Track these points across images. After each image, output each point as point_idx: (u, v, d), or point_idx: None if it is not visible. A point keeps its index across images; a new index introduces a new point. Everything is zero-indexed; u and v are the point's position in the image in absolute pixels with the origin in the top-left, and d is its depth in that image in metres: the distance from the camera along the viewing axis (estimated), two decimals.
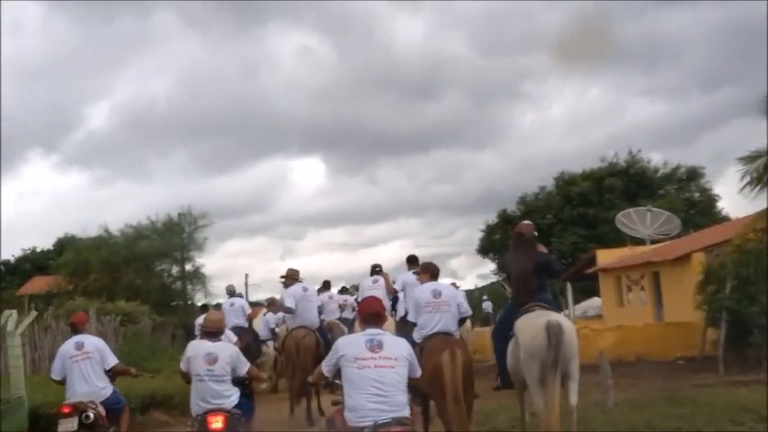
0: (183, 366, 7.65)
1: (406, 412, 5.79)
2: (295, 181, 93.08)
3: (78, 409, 8.13)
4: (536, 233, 8.83)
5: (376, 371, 5.73)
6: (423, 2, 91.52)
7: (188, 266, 37.22)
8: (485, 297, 40.25)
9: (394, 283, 12.07)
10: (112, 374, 8.78)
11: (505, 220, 46.72)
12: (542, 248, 8.70)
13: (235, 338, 11.05)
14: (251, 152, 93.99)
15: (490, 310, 37.47)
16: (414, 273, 10.91)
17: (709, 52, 79.69)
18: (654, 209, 28.12)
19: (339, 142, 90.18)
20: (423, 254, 12.24)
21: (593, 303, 31.64)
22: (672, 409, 10.50)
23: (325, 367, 6.12)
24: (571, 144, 78.06)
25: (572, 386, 7.47)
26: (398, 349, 5.95)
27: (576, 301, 31.10)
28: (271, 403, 13.72)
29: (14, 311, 11.32)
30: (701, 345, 17.13)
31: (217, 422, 7.14)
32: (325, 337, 11.99)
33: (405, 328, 9.36)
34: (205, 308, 19.32)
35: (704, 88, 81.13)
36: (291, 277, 12.43)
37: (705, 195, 44.53)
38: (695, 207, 42.52)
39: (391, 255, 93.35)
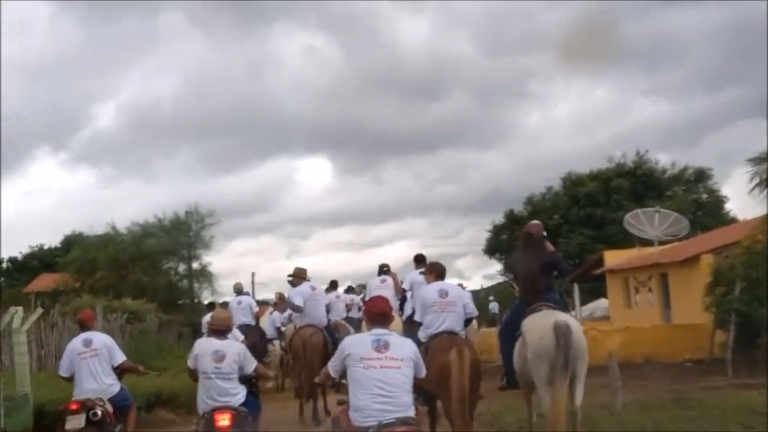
0: (190, 364, 7.64)
1: (411, 412, 5.77)
2: (301, 181, 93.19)
3: (86, 406, 8.12)
4: (545, 233, 8.78)
5: (382, 371, 5.72)
6: (427, 2, 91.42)
7: (195, 265, 37.26)
8: (491, 297, 40.22)
9: (402, 282, 12.03)
10: (120, 372, 8.78)
11: (512, 221, 46.61)
12: (550, 247, 8.64)
13: (241, 337, 11.02)
14: (257, 152, 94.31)
15: (497, 310, 37.41)
16: (421, 272, 10.85)
17: (713, 52, 79.56)
18: (662, 210, 27.97)
19: (345, 142, 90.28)
20: (429, 254, 12.16)
21: (600, 304, 31.51)
22: (681, 411, 10.42)
23: (332, 367, 6.11)
24: (576, 144, 78.01)
25: (578, 387, 7.41)
26: (404, 350, 5.93)
27: (583, 303, 31.01)
28: (277, 402, 13.69)
29: (20, 308, 11.29)
30: (710, 347, 17.04)
31: (224, 420, 7.14)
32: (332, 335, 11.95)
33: (412, 327, 9.29)
34: (212, 306, 19.22)
35: (708, 89, 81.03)
36: (299, 276, 12.41)
37: (713, 197, 44.35)
38: (703, 208, 42.36)
39: (397, 255, 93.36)
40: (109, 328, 18.01)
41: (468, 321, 9.00)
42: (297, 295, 12.10)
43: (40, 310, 12.49)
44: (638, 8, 72.09)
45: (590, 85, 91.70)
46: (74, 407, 8.18)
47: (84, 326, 8.96)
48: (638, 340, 18.55)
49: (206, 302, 28.03)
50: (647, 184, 44.00)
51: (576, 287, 29.29)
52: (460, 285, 10.90)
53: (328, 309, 12.62)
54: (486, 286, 54.93)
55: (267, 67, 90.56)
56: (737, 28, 75.16)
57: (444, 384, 7.86)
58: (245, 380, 7.61)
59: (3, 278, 49.69)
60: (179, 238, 36.56)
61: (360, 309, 15.73)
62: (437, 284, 8.82)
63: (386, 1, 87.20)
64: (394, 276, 12.59)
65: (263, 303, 20.23)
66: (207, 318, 16.58)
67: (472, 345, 9.22)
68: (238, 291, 17.09)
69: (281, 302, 17.53)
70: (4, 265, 51.86)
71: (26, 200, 75.44)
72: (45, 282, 38.42)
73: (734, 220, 37.56)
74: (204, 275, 37.04)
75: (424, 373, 6.20)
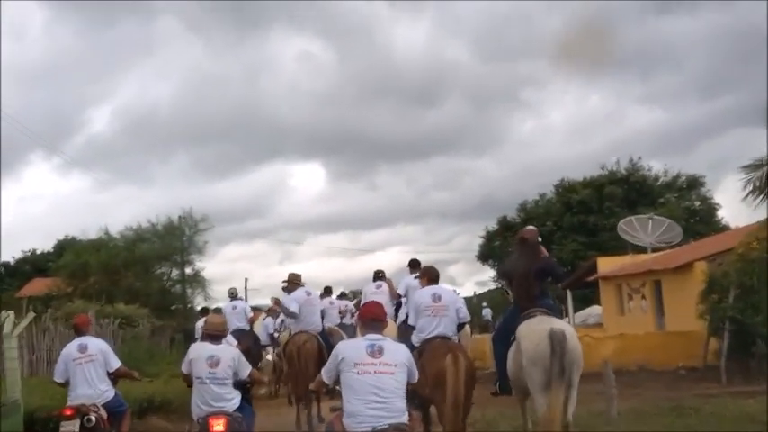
0: (184, 369, 7.60)
1: (405, 418, 5.76)
2: (295, 186, 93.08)
3: (80, 412, 8.12)
4: (540, 238, 8.76)
5: (376, 377, 5.71)
6: (423, 8, 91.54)
7: (188, 270, 37.21)
8: (484, 304, 40.25)
9: (397, 288, 12.00)
10: (115, 377, 8.75)
11: (505, 227, 46.70)
12: (545, 253, 8.58)
13: (235, 342, 10.95)
14: (252, 157, 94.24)
15: (489, 316, 37.43)
16: (416, 277, 10.82)
17: (707, 60, 79.69)
18: (656, 216, 27.98)
19: (339, 148, 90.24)
20: (421, 260, 12.16)
21: (593, 311, 31.46)
22: (677, 419, 10.40)
23: (325, 373, 6.08)
24: (570, 151, 78.10)
25: (571, 395, 7.32)
26: (398, 355, 5.92)
27: (576, 309, 30.95)
28: (270, 408, 13.64)
29: (11, 313, 11.17)
30: (704, 354, 17.01)
31: (218, 425, 7.09)
32: (327, 341, 11.89)
33: (407, 333, 9.26)
34: (205, 311, 19.18)
35: (703, 96, 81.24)
36: (294, 282, 12.36)
37: (705, 204, 44.43)
38: (695, 216, 42.43)
39: (390, 261, 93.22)
40: (101, 333, 17.85)
41: (461, 326, 8.96)
42: (292, 301, 12.02)
43: (31, 315, 12.35)
44: (633, 15, 72.22)
45: (585, 92, 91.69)
46: (68, 412, 8.16)
47: (79, 331, 8.92)
48: (632, 347, 18.49)
49: (199, 308, 27.99)
50: (640, 191, 44.10)
51: (569, 294, 29.23)
52: (454, 291, 10.87)
53: (323, 314, 12.56)
54: (478, 293, 55.01)
55: (262, 73, 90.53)
56: (732, 36, 75.38)
57: (439, 390, 7.84)
58: (239, 385, 7.57)
59: None
60: (172, 243, 36.54)
61: (353, 315, 15.69)
62: (430, 288, 8.81)
63: (383, 1, 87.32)
64: (389, 282, 12.57)
65: (256, 309, 20.19)
66: (200, 323, 16.51)
67: (466, 351, 9.20)
68: (233, 295, 17.03)
69: (275, 308, 17.47)
70: None
71: (20, 205, 75.13)
72: (37, 286, 38.18)
73: (726, 228, 37.63)
74: (197, 281, 37.04)
75: (416, 378, 6.18)
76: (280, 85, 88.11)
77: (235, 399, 7.39)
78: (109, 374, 8.63)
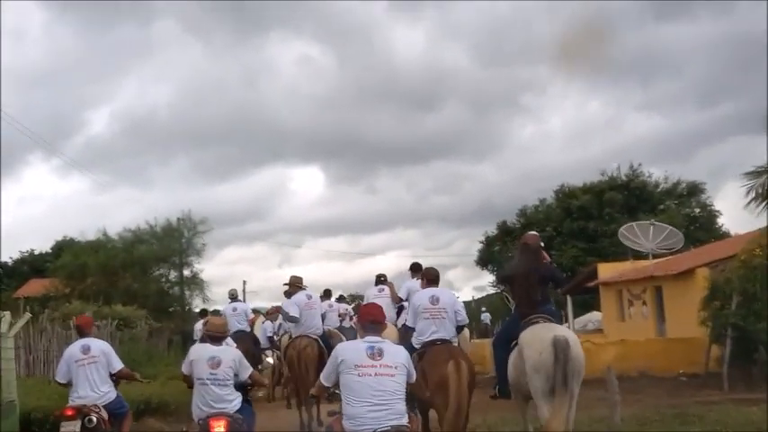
0: (185, 369, 7.60)
1: (405, 420, 5.75)
2: (295, 189, 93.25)
3: (81, 413, 8.15)
4: (542, 244, 8.71)
5: (376, 379, 5.69)
6: (423, 12, 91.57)
7: (186, 272, 37.05)
8: (484, 309, 40.13)
9: (398, 292, 11.96)
10: (116, 378, 8.75)
11: (505, 232, 46.67)
12: (546, 258, 8.56)
13: (233, 345, 10.85)
14: (251, 160, 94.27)
15: (488, 321, 37.36)
16: (418, 280, 10.77)
17: (707, 67, 79.83)
18: (657, 223, 27.87)
19: (339, 152, 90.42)
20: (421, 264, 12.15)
21: (593, 317, 31.43)
22: (680, 426, 10.28)
23: (325, 377, 6.04)
24: (569, 157, 78.24)
25: (572, 404, 7.32)
26: (398, 357, 5.91)
27: (575, 315, 30.87)
28: (268, 411, 13.54)
29: (7, 313, 11.07)
30: (706, 361, 16.90)
31: (219, 427, 7.08)
32: (328, 344, 11.79)
33: (408, 336, 9.20)
34: (204, 313, 19.09)
35: (702, 103, 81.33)
36: (295, 285, 12.33)
37: (706, 211, 44.34)
38: (696, 222, 42.33)
39: (389, 265, 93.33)
40: (98, 335, 17.75)
41: (460, 329, 8.94)
42: (292, 305, 11.97)
43: (27, 316, 12.24)
44: (633, 21, 72.29)
45: (584, 98, 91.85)
46: (69, 413, 8.18)
47: (82, 332, 8.96)
48: (633, 353, 18.38)
49: (197, 310, 27.88)
50: (640, 197, 44.02)
51: (568, 299, 29.15)
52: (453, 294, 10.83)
53: (323, 318, 12.49)
54: (477, 297, 54.92)
55: (262, 76, 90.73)
56: (732, 43, 75.47)
57: (441, 395, 7.86)
58: (239, 387, 7.55)
59: None
60: (171, 245, 36.38)
61: (352, 318, 15.62)
62: (429, 291, 8.80)
63: (382, 2, 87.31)
64: (391, 286, 12.56)
65: (255, 311, 20.11)
66: (198, 325, 16.45)
67: (468, 356, 9.14)
68: (233, 297, 16.95)
69: (273, 312, 17.45)
70: None
71: (19, 205, 75.08)
72: (35, 287, 38.02)
73: (726, 235, 37.57)
74: (195, 283, 36.86)
75: (414, 378, 6.17)
76: (279, 88, 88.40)
77: (236, 400, 7.37)
78: (111, 376, 8.63)
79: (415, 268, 11.84)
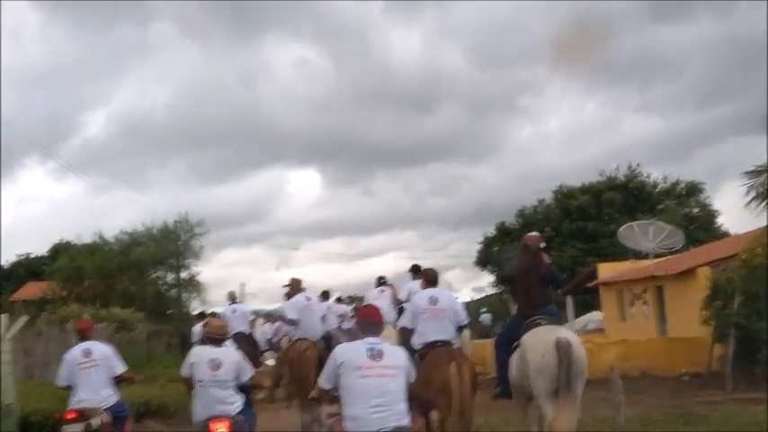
0: (185, 372, 7.60)
1: (407, 422, 5.72)
2: (292, 191, 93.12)
3: (83, 416, 8.12)
4: (543, 244, 8.66)
5: (378, 380, 5.66)
6: (420, 15, 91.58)
7: (183, 274, 36.96)
8: (484, 309, 39.97)
9: (398, 293, 11.92)
10: (116, 381, 8.72)
11: (504, 233, 46.57)
12: (547, 260, 8.55)
13: (233, 347, 10.76)
14: (248, 162, 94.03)
15: (488, 322, 37.21)
16: (419, 282, 10.72)
17: (706, 68, 79.84)
18: (657, 222, 27.79)
19: (336, 154, 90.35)
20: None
21: (593, 317, 31.29)
22: (685, 427, 10.21)
23: (325, 379, 5.96)
24: (567, 159, 78.09)
25: (576, 405, 7.29)
26: (398, 358, 5.90)
27: (575, 315, 30.78)
28: (269, 413, 13.42)
29: (4, 316, 10.98)
30: (708, 361, 16.81)
31: (221, 428, 7.11)
32: (328, 346, 11.70)
33: (407, 338, 9.12)
34: (202, 315, 18.99)
35: (701, 104, 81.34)
36: (295, 287, 12.24)
37: (705, 211, 44.27)
38: (695, 222, 42.25)
39: (387, 267, 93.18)
40: (95, 338, 17.71)
41: (460, 329, 8.92)
42: (291, 308, 11.88)
43: (23, 319, 12.15)
44: (631, 22, 72.31)
45: (582, 100, 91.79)
46: (71, 416, 8.16)
47: (83, 335, 8.91)
48: (635, 353, 18.31)
49: (195, 312, 27.79)
50: (639, 197, 43.95)
51: (568, 300, 29.06)
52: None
53: (323, 319, 12.38)
54: (476, 298, 54.80)
55: (259, 78, 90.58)
56: (730, 44, 75.51)
57: (443, 397, 7.86)
58: (241, 389, 7.54)
59: None
60: (168, 247, 36.29)
61: (350, 319, 15.54)
62: (428, 291, 8.81)
63: (379, 2, 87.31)
64: (392, 287, 12.54)
65: (254, 314, 20.07)
66: (197, 328, 16.35)
67: (469, 357, 9.12)
68: (232, 299, 16.87)
69: (274, 318, 17.46)
70: None
71: (16, 208, 74.92)
72: (32, 290, 37.91)
73: (726, 234, 37.51)
74: (193, 285, 36.79)
75: (413, 378, 6.13)
76: (276, 90, 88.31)
77: (237, 402, 7.38)
78: (113, 379, 8.60)
79: (416, 270, 11.85)
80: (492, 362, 13.27)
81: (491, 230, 48.59)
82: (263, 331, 17.93)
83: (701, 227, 41.38)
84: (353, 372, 5.68)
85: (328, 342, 11.86)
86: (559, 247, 41.14)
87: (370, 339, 5.92)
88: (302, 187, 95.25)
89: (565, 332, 7.66)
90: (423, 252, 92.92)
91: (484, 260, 48.52)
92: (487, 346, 19.39)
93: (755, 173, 21.23)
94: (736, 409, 11.53)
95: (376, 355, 5.75)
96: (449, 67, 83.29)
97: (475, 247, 49.85)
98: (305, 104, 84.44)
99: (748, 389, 14.53)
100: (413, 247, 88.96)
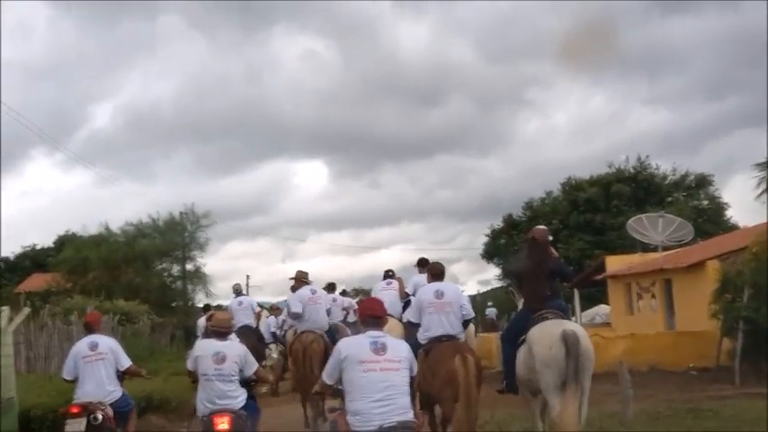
0: (190, 365, 7.59)
1: (411, 415, 5.71)
2: (298, 184, 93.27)
3: (87, 410, 8.12)
4: (551, 238, 8.57)
5: (382, 374, 5.64)
6: (427, 7, 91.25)
7: (189, 266, 36.90)
8: (490, 303, 39.87)
9: (406, 287, 11.85)
10: (121, 375, 8.72)
11: (511, 225, 46.47)
12: (555, 253, 8.52)
13: (237, 340, 10.67)
14: (255, 154, 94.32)
15: (494, 316, 37.12)
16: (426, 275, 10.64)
17: (713, 61, 79.38)
18: (666, 215, 27.55)
19: (343, 146, 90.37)
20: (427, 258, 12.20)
21: (601, 311, 31.15)
22: (694, 421, 10.06)
23: (328, 374, 5.94)
24: (574, 152, 78.00)
25: (583, 401, 7.26)
26: (401, 351, 5.88)
27: (582, 308, 30.63)
28: (272, 407, 13.37)
29: (6, 308, 10.87)
30: (717, 355, 16.62)
31: (223, 423, 7.07)
32: (333, 339, 11.61)
33: (413, 331, 9.08)
34: (207, 308, 18.95)
35: (708, 97, 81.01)
36: (300, 279, 12.24)
37: (714, 203, 44.01)
38: (704, 215, 41.99)
39: (393, 259, 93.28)
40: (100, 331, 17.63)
41: (465, 323, 8.89)
42: (295, 301, 11.88)
43: (26, 311, 12.03)
44: (638, 16, 71.93)
45: (590, 93, 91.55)
46: (75, 410, 8.17)
47: (90, 329, 8.92)
48: (643, 347, 18.11)
49: (200, 305, 27.72)
50: (648, 189, 43.72)
51: (576, 293, 28.90)
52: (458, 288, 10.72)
53: (329, 312, 12.29)
54: (482, 291, 54.73)
55: (266, 71, 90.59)
56: (737, 37, 75.09)
57: (448, 390, 7.91)
58: (244, 383, 7.51)
59: None
60: (173, 239, 36.24)
61: (356, 312, 15.43)
62: (434, 285, 8.81)
63: (387, 0, 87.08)
64: (399, 280, 12.58)
65: (259, 306, 20.03)
66: (202, 320, 16.30)
67: (474, 351, 9.05)
68: (238, 292, 16.82)
69: (277, 309, 17.39)
70: None
71: (22, 200, 75.13)
72: (37, 282, 37.93)
73: (735, 227, 37.25)
74: (198, 277, 36.74)
75: (416, 371, 6.12)
76: (283, 82, 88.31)
77: (240, 396, 7.35)
78: (118, 373, 8.60)
79: (423, 263, 11.86)
80: (498, 356, 13.16)
81: (498, 223, 48.55)
82: (267, 323, 17.94)
83: (709, 219, 41.17)
84: (357, 366, 5.65)
85: (333, 335, 11.78)
86: (567, 239, 41.02)
87: (373, 333, 5.89)
88: (308, 179, 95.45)
89: (571, 325, 7.65)
90: (429, 244, 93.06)
91: (490, 253, 48.42)
92: (493, 339, 19.27)
93: (766, 165, 21.03)
94: (745, 403, 11.37)
95: (379, 348, 5.71)
96: (456, 60, 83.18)
97: (481, 240, 49.81)
98: (312, 97, 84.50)
99: (757, 383, 14.34)
100: (419, 240, 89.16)
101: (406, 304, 11.45)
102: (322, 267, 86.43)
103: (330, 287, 16.19)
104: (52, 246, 48.93)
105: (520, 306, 8.68)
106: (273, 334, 17.49)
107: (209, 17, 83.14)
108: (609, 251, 31.99)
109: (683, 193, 44.54)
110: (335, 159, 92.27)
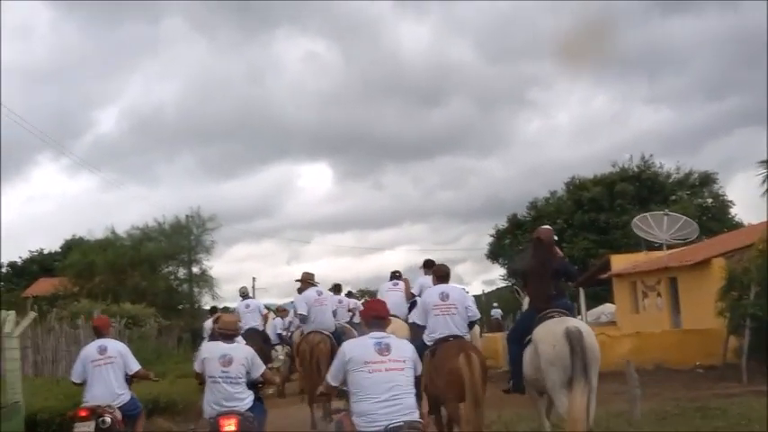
0: (197, 368, 7.58)
1: (417, 415, 5.71)
2: (302, 186, 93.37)
3: (96, 413, 8.10)
4: (555, 238, 8.57)
5: (387, 374, 5.65)
6: (428, 8, 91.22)
7: (195, 269, 36.94)
8: (495, 303, 39.86)
9: (412, 288, 11.84)
10: (129, 379, 8.71)
11: (515, 225, 46.43)
12: (560, 253, 8.48)
13: (243, 342, 10.69)
14: (258, 157, 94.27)
15: (499, 316, 37.11)
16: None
17: (714, 61, 79.25)
18: (671, 213, 27.47)
19: (345, 148, 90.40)
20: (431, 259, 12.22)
21: (606, 309, 31.13)
22: (702, 420, 10.01)
23: (333, 376, 5.96)
24: (577, 152, 77.95)
25: (591, 399, 7.18)
26: (405, 351, 5.89)
27: (588, 307, 30.59)
28: (279, 408, 13.36)
29: (12, 312, 10.88)
30: (723, 353, 16.59)
31: (230, 425, 7.05)
32: (340, 340, 11.62)
33: (419, 333, 9.10)
34: (214, 310, 18.97)
35: (709, 97, 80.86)
36: (306, 281, 12.26)
37: (718, 201, 43.94)
38: (708, 213, 41.92)
39: (397, 260, 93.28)
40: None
41: (471, 324, 8.91)
42: (301, 303, 11.91)
43: (32, 315, 12.04)
44: (639, 16, 71.81)
45: (591, 93, 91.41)
46: (83, 413, 8.15)
47: (99, 332, 8.93)
48: (649, 346, 18.10)
49: (207, 307, 27.74)
50: (652, 188, 43.66)
51: (581, 292, 28.86)
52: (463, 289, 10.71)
53: (335, 313, 12.30)
54: (486, 291, 54.68)
55: (268, 73, 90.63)
56: (737, 37, 74.93)
57: (456, 390, 7.91)
58: (251, 385, 7.50)
59: (2, 283, 49.24)
60: (179, 242, 36.29)
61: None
62: (439, 287, 8.84)
63: (388, 1, 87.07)
64: (406, 282, 12.57)
65: (266, 308, 20.08)
66: (208, 323, 16.32)
67: (479, 349, 9.08)
68: (244, 295, 16.84)
69: (284, 312, 17.41)
70: (4, 269, 51.50)
71: (28, 205, 75.26)
72: (44, 286, 38.04)
73: (739, 225, 37.19)
74: (204, 280, 36.76)
75: (420, 371, 6.13)
76: (285, 84, 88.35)
77: (247, 398, 7.33)
78: (127, 377, 8.60)
79: (429, 265, 11.85)
80: (504, 356, 13.14)
81: (502, 223, 48.54)
82: (273, 325, 17.94)
83: (714, 217, 41.11)
84: (362, 367, 5.67)
85: (340, 336, 11.79)
86: (571, 238, 40.97)
87: (377, 333, 5.92)
88: (312, 181, 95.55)
89: (574, 322, 7.63)
90: (433, 245, 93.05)
91: (495, 253, 48.40)
92: (499, 339, 19.26)
93: None
94: (753, 401, 11.30)
95: (384, 349, 5.73)
96: (457, 61, 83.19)
97: (486, 240, 49.78)
98: (314, 99, 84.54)
99: (764, 381, 14.24)
100: (423, 241, 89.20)
101: (412, 305, 11.46)
102: (327, 269, 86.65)
103: (336, 288, 16.20)
104: (59, 250, 49.06)
105: (525, 306, 8.64)
106: (279, 335, 17.51)
107: (212, 19, 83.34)
108: (614, 250, 31.94)
109: (687, 192, 44.49)
110: (338, 161, 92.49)
